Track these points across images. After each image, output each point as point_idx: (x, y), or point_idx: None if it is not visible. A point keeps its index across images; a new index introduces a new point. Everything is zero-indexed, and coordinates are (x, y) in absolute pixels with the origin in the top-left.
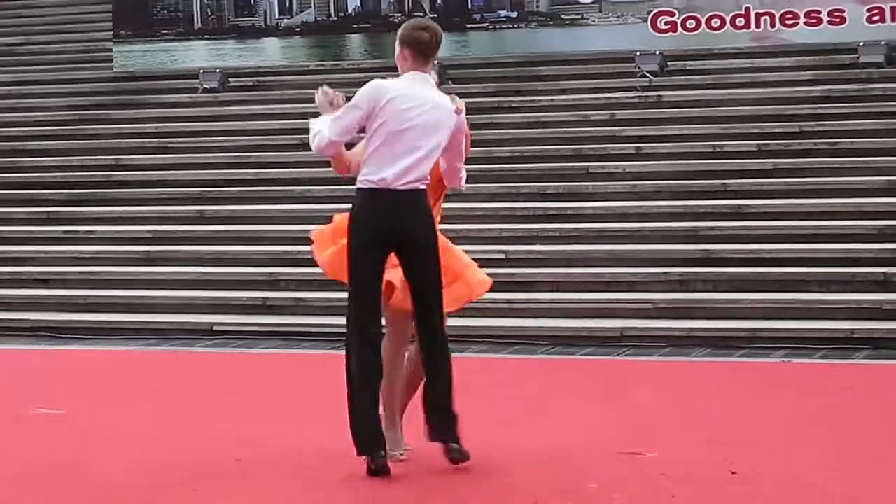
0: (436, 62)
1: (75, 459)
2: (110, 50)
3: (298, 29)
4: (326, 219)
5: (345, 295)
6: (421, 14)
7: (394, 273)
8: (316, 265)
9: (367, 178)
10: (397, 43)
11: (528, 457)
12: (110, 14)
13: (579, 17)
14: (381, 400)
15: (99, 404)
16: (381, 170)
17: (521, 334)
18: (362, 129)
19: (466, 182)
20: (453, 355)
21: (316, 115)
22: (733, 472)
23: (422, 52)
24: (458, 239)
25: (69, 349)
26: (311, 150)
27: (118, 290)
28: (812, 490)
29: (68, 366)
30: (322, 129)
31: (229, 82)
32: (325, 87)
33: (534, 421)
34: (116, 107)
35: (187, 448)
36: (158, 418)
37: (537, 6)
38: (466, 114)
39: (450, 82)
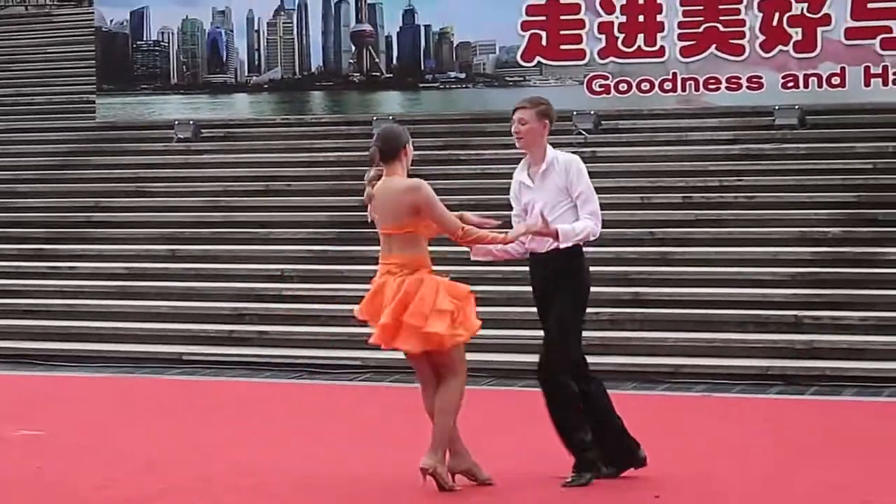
0: (391, 117)
1: (53, 476)
2: (93, 102)
3: (266, 85)
4: (288, 258)
5: (304, 329)
6: (378, 74)
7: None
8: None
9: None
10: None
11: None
12: (94, 69)
13: (522, 78)
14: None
15: (77, 426)
16: None
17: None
18: None
19: None
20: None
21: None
22: (657, 496)
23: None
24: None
25: (51, 375)
26: (274, 195)
27: (96, 322)
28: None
29: (50, 391)
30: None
31: (202, 133)
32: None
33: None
34: (97, 154)
35: (157, 466)
36: (131, 439)
37: (484, 69)
38: (419, 164)
39: None
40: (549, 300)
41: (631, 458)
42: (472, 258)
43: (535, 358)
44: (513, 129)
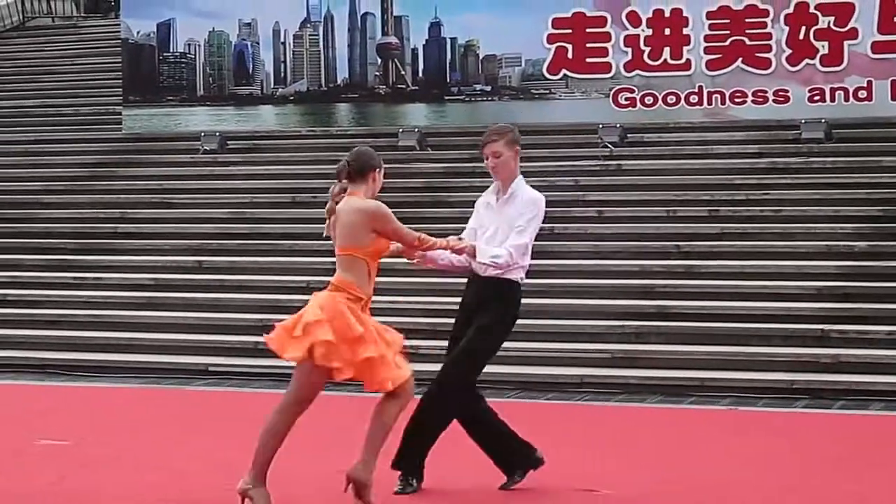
0: (417, 129)
1: (76, 486)
2: (119, 113)
3: (292, 97)
4: (314, 270)
5: None
6: (404, 86)
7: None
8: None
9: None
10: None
11: (494, 488)
12: (120, 81)
13: (547, 91)
14: None
15: (101, 436)
16: None
17: (490, 379)
18: None
19: None
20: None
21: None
22: None
23: None
24: (435, 292)
25: (76, 386)
26: (299, 207)
27: (122, 332)
28: None
29: (74, 401)
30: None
31: (228, 144)
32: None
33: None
34: (124, 165)
35: (182, 477)
36: (156, 450)
37: (509, 81)
38: (444, 176)
39: (428, 149)
40: (467, 321)
41: (528, 460)
42: (421, 266)
43: (558, 370)
44: (488, 165)
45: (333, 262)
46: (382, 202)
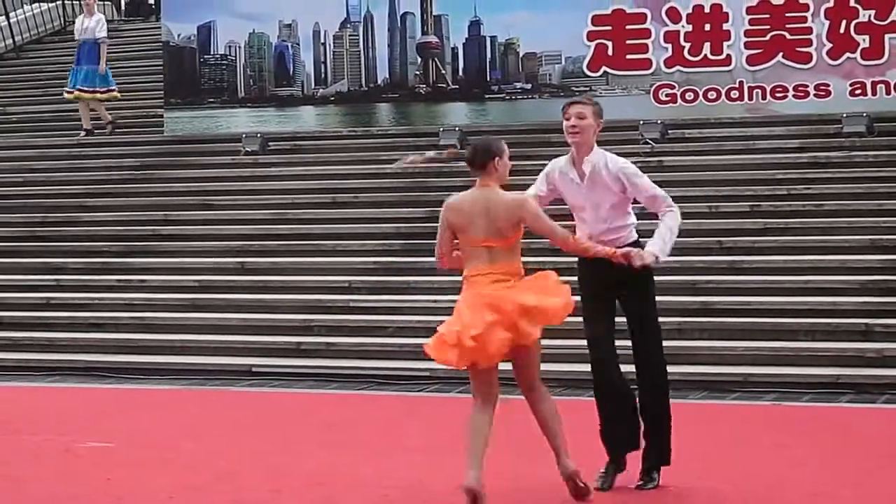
0: (457, 128)
1: (122, 488)
2: (161, 116)
3: (332, 98)
4: (356, 270)
5: (372, 340)
6: (444, 85)
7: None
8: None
9: None
10: None
11: (542, 484)
12: (161, 83)
13: (588, 88)
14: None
15: (147, 438)
16: None
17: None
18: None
19: None
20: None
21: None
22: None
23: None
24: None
25: (120, 388)
26: (341, 207)
27: (166, 335)
28: None
29: (119, 403)
30: None
31: (269, 146)
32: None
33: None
34: (166, 167)
35: (227, 478)
36: (200, 451)
37: (550, 79)
38: None
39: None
40: (612, 303)
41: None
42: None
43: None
44: (569, 125)
45: (376, 262)
46: (421, 200)
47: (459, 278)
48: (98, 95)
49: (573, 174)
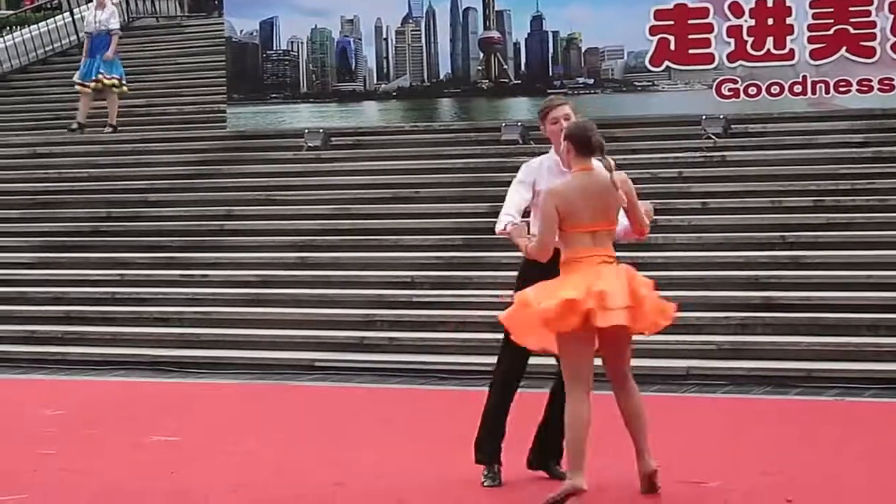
0: (520, 123)
1: (186, 482)
2: (223, 111)
3: (395, 93)
4: (418, 265)
5: (434, 335)
6: (506, 80)
7: None
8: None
9: None
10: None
11: (597, 484)
12: (224, 79)
13: (650, 83)
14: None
15: (210, 432)
16: None
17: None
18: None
19: None
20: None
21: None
22: (789, 501)
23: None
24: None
25: (185, 382)
26: (402, 202)
27: (229, 329)
28: None
29: (184, 398)
30: None
31: (331, 141)
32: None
33: (602, 451)
34: (228, 163)
35: (289, 472)
36: (263, 445)
37: (612, 74)
38: None
39: (531, 143)
40: None
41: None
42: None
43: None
44: (555, 129)
45: (437, 257)
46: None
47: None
48: (105, 81)
49: (562, 170)
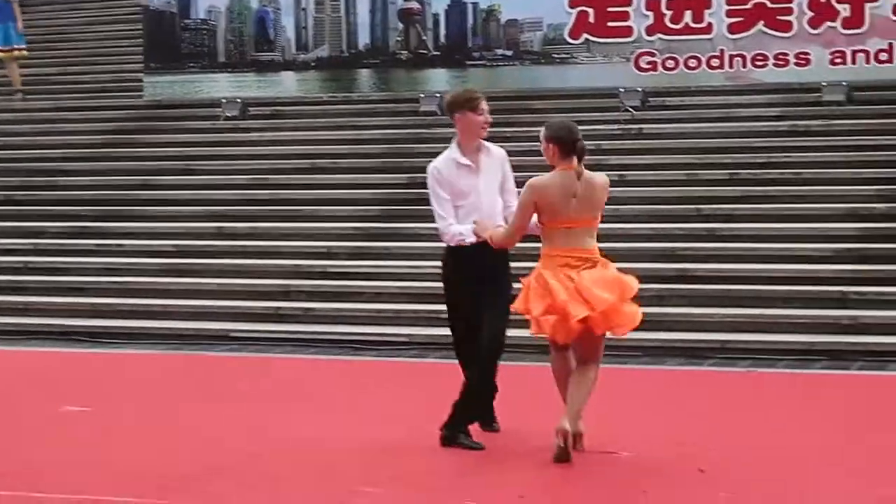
0: (438, 95)
1: (101, 452)
2: (140, 80)
3: (313, 64)
4: (335, 235)
5: (351, 305)
6: (425, 52)
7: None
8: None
9: None
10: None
11: (518, 453)
12: (141, 47)
13: (569, 56)
14: None
15: (125, 403)
16: None
17: (514, 343)
18: None
19: None
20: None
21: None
22: (701, 471)
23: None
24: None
25: (98, 352)
26: (320, 173)
27: (144, 299)
28: (771, 484)
29: (97, 368)
30: None
31: (249, 111)
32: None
33: (522, 423)
34: (145, 132)
35: (207, 443)
36: (179, 416)
37: (531, 46)
38: None
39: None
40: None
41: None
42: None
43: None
44: (485, 119)
45: (355, 228)
46: (401, 167)
47: (436, 244)
48: (15, 53)
49: (467, 162)
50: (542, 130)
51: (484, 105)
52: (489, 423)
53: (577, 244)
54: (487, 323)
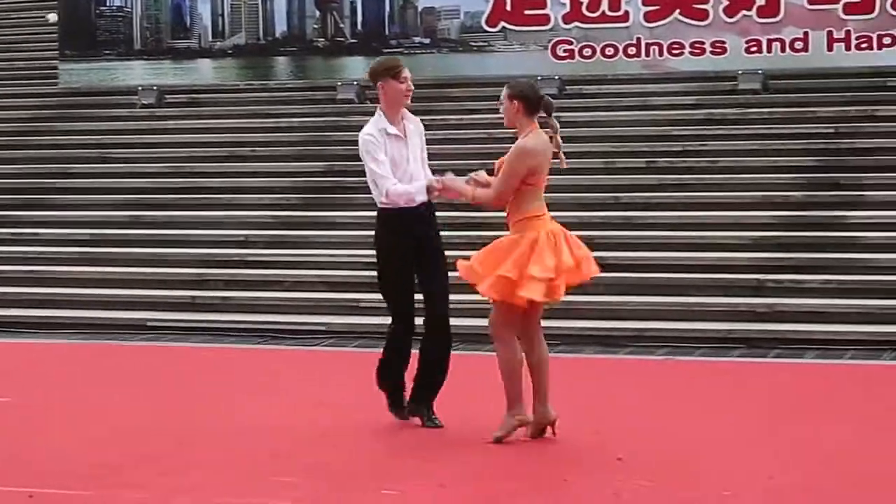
0: (355, 83)
1: (18, 442)
2: (56, 68)
3: (230, 51)
4: (251, 224)
5: (268, 294)
6: (342, 39)
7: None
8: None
9: None
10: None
11: (440, 443)
12: (56, 35)
13: (486, 44)
14: None
15: (42, 393)
16: None
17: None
18: None
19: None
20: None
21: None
22: (619, 459)
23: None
24: (369, 245)
25: (14, 342)
26: (238, 161)
27: (60, 288)
28: (690, 471)
29: (15, 358)
30: None
31: (165, 99)
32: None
33: (446, 413)
34: (61, 120)
35: (126, 433)
36: (97, 406)
37: (448, 34)
38: None
39: (368, 101)
40: (421, 252)
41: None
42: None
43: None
44: (407, 87)
45: (272, 216)
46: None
47: (356, 233)
48: None
49: (395, 131)
50: (503, 90)
51: (406, 73)
52: (429, 416)
53: (543, 203)
54: (434, 308)
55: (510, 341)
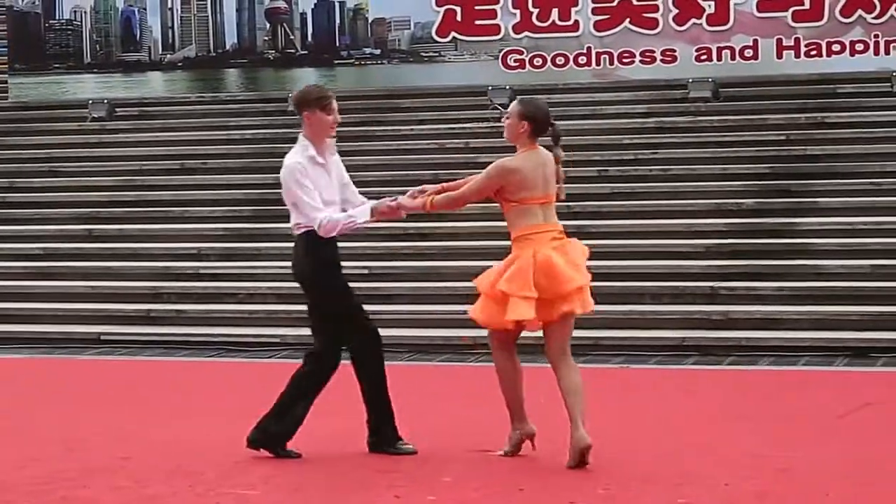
0: None
1: None
2: (5, 82)
3: (180, 64)
4: (205, 237)
5: (222, 307)
6: (293, 51)
7: None
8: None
9: None
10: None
11: (388, 456)
12: (5, 49)
13: (437, 54)
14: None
15: None
16: None
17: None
18: None
19: None
20: None
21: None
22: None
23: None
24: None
25: None
26: (189, 174)
27: (12, 303)
28: (646, 478)
29: None
30: None
31: (116, 112)
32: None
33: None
34: (11, 134)
35: (77, 447)
36: (50, 420)
37: (399, 44)
38: (336, 141)
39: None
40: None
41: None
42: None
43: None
44: (334, 119)
45: (225, 229)
46: (270, 166)
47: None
48: None
49: (322, 161)
50: (513, 105)
51: (335, 105)
52: (393, 442)
53: (553, 219)
54: (367, 321)
55: (502, 357)
